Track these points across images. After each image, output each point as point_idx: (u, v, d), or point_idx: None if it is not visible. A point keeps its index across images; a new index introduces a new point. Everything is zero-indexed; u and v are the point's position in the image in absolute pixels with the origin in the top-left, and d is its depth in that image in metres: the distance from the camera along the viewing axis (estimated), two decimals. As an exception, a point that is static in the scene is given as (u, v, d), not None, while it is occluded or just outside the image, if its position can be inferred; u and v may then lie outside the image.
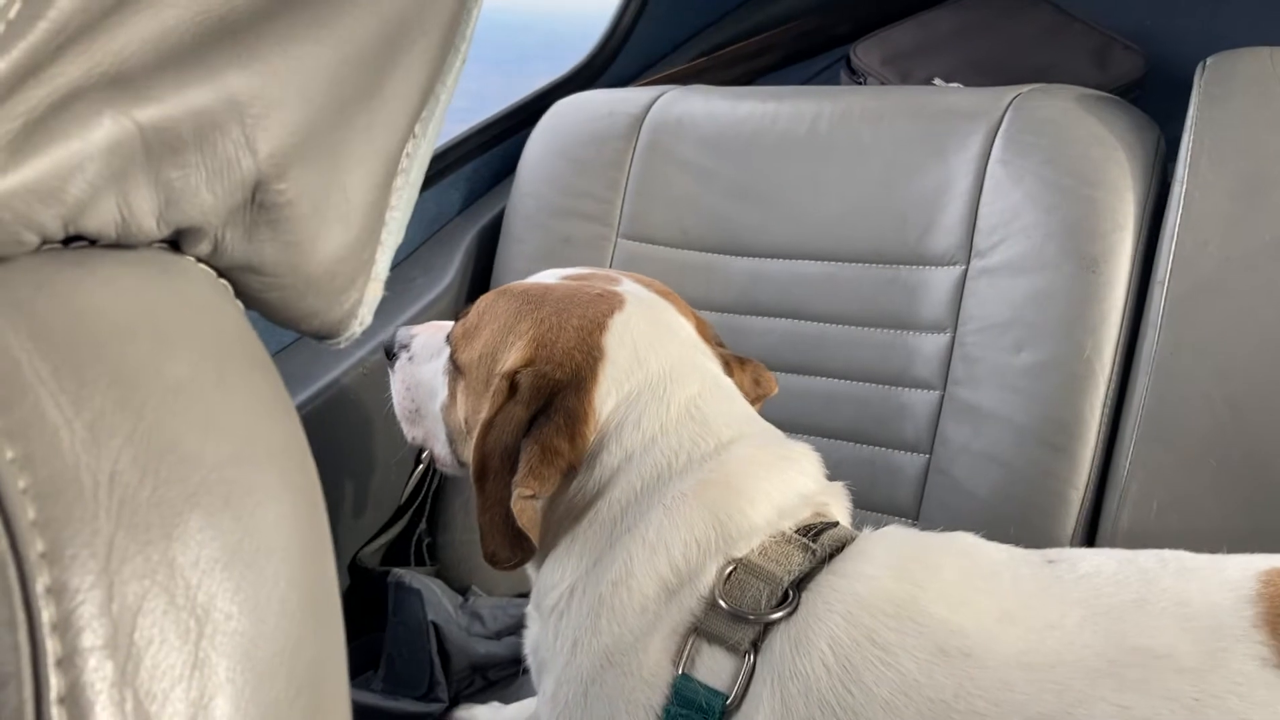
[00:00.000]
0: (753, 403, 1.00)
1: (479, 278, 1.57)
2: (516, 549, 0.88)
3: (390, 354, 1.14)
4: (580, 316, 0.92)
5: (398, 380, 1.12)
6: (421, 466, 1.46)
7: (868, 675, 0.74)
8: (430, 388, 1.07)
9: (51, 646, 0.27)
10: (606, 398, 0.89)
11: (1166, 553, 0.78)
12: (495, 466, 0.88)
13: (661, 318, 0.96)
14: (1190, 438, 1.09)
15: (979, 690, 0.70)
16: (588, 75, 1.83)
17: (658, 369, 0.91)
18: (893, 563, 0.80)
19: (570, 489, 0.89)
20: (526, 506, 0.85)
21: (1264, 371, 1.07)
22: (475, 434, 0.91)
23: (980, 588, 0.77)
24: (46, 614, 0.27)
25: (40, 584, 0.28)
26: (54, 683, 0.27)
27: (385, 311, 1.40)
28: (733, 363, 1.02)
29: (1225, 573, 0.74)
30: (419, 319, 1.43)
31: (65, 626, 0.28)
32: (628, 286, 1.00)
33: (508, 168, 1.67)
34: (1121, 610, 0.73)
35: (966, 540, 0.84)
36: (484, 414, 0.90)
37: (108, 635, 0.28)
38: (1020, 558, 0.82)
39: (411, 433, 1.11)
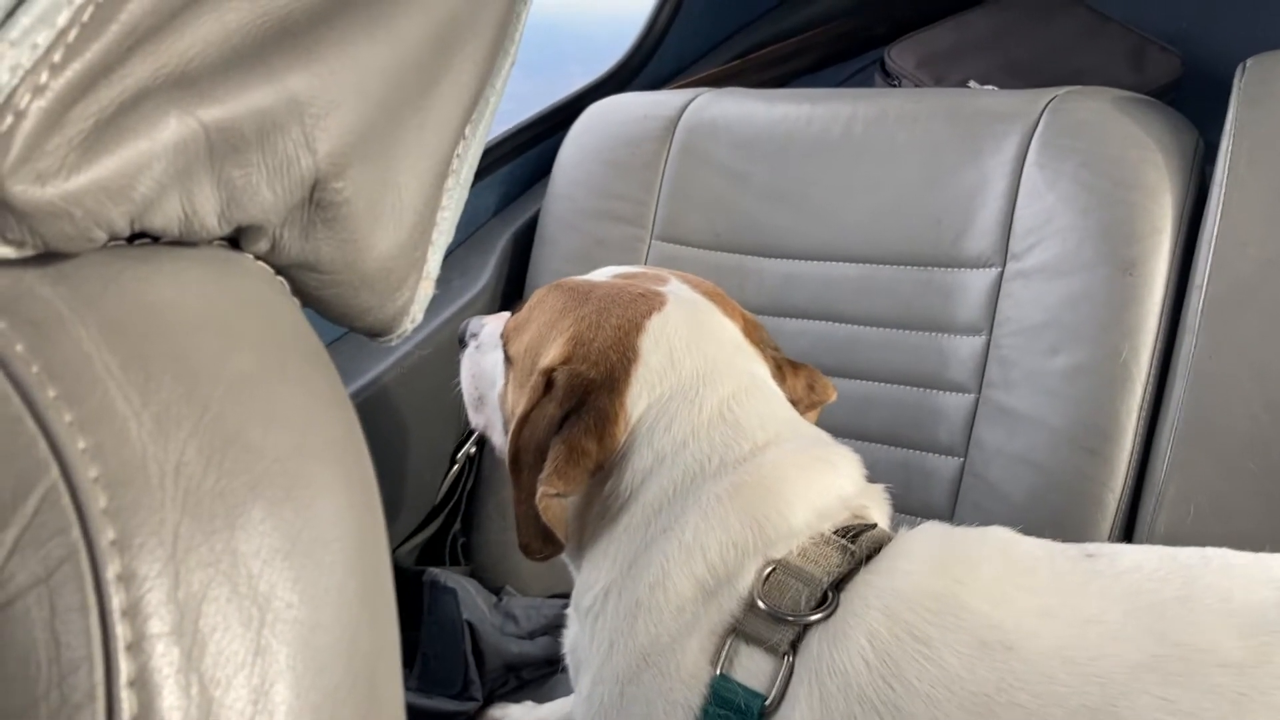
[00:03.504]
0: (807, 409, 0.99)
1: (514, 280, 1.58)
2: (547, 543, 0.88)
3: (462, 342, 1.16)
4: (619, 316, 0.92)
5: (465, 368, 1.14)
6: (456, 467, 1.47)
7: (908, 670, 0.73)
8: (491, 377, 1.08)
9: (121, 631, 0.28)
10: (638, 399, 0.89)
11: (1209, 550, 0.77)
12: (528, 461, 0.88)
13: (701, 319, 0.95)
14: (1229, 441, 1.08)
15: (1021, 683, 0.70)
16: (622, 78, 1.83)
17: (691, 371, 0.90)
18: (931, 559, 0.80)
19: (605, 489, 0.89)
20: (551, 504, 0.85)
21: (1305, 375, 1.06)
22: (512, 427, 0.91)
23: (1020, 583, 0.77)
24: (117, 600, 0.28)
25: (111, 570, 0.28)
26: (124, 667, 0.28)
27: (421, 312, 1.41)
28: (785, 367, 1.00)
29: (1270, 570, 0.73)
30: (455, 320, 1.43)
31: (134, 612, 0.28)
32: (673, 287, 0.99)
33: (543, 170, 1.67)
34: (1164, 606, 0.72)
35: (1004, 535, 0.83)
36: (521, 408, 0.91)
37: (174, 621, 0.29)
38: (1059, 552, 0.81)
39: (475, 420, 1.13)
